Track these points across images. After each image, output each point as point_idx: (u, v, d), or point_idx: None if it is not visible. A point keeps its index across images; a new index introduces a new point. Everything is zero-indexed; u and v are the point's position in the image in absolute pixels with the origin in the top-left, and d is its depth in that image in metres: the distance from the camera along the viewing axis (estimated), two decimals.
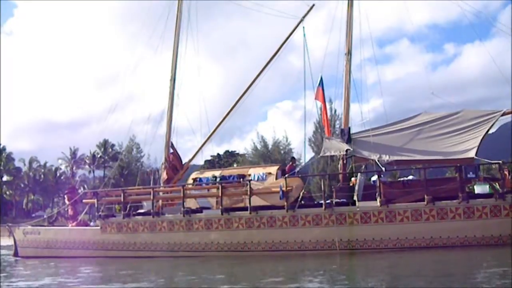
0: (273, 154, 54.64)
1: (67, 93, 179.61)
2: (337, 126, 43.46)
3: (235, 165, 66.00)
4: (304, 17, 23.66)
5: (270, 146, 58.28)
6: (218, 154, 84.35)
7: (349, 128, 21.75)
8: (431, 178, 20.25)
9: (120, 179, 67.48)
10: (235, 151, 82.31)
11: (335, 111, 46.59)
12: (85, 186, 73.81)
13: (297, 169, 22.96)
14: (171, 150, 25.15)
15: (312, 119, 37.02)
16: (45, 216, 26.85)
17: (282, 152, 55.47)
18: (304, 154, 41.69)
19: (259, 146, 58.21)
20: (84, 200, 24.55)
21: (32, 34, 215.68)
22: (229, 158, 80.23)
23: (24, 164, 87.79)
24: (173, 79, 25.64)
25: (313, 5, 23.94)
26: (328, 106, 49.35)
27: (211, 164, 76.52)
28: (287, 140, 57.78)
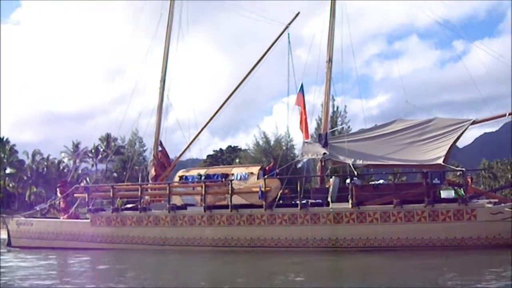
0: (275, 150, 54.43)
1: (70, 85, 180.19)
2: (339, 123, 44.07)
3: (237, 160, 66.29)
4: (289, 24, 24.80)
5: (272, 142, 58.20)
6: (220, 149, 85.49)
7: (326, 133, 22.96)
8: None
9: (122, 173, 68.14)
10: (237, 146, 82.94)
11: (337, 107, 46.73)
12: (87, 179, 74.36)
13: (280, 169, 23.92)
14: (160, 148, 26.32)
15: (315, 116, 37.21)
16: (37, 208, 27.96)
17: (284, 148, 55.20)
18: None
19: (261, 142, 58.29)
20: (75, 195, 25.67)
21: (38, 24, 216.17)
22: (231, 153, 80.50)
23: (28, 157, 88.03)
24: (163, 80, 26.78)
25: (298, 13, 25.10)
26: (330, 103, 49.94)
27: (213, 159, 77.58)
28: (289, 136, 57.48)
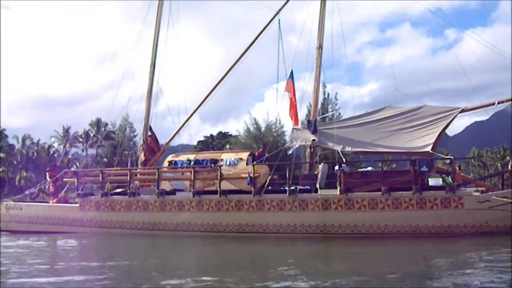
0: (266, 136, 54.43)
1: (61, 70, 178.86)
2: (330, 110, 44.04)
3: (227, 146, 66.19)
4: (279, 10, 24.55)
5: (263, 128, 58.11)
6: (211, 135, 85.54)
7: (315, 120, 22.94)
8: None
9: (113, 158, 67.91)
10: (228, 132, 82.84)
11: (328, 94, 46.54)
12: (77, 164, 74.12)
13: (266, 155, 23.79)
14: (149, 133, 26.26)
15: (305, 103, 36.98)
16: (27, 193, 27.94)
17: (275, 134, 55.06)
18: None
19: (251, 128, 58.24)
20: (64, 179, 25.60)
21: (29, 9, 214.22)
22: (222, 139, 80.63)
23: (18, 142, 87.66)
24: (153, 65, 26.62)
25: None
26: (321, 90, 49.79)
27: (204, 144, 77.58)
28: (280, 123, 57.34)
